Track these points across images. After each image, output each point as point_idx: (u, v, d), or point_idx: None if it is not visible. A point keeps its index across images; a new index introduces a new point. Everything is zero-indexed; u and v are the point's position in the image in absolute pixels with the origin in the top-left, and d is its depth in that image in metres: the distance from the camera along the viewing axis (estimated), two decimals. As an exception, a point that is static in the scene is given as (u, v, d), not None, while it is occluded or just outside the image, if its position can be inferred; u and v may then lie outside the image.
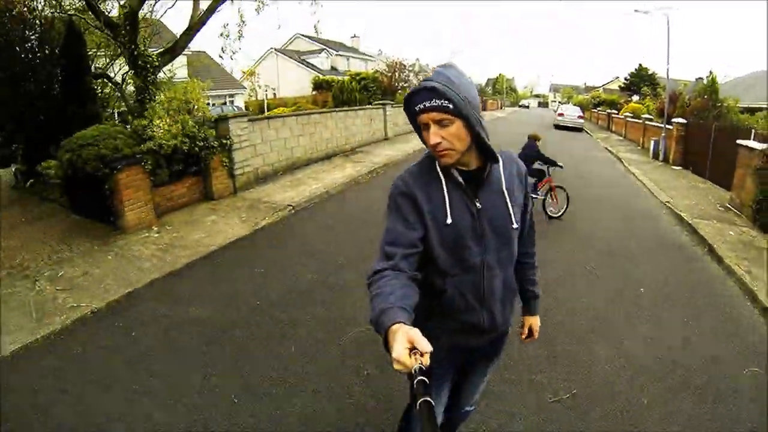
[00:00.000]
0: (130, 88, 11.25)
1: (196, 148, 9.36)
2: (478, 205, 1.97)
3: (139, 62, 9.16)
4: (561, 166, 9.22)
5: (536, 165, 9.52)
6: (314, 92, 35.28)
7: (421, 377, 1.21)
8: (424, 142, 1.91)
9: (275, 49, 45.84)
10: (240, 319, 5.21)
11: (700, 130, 16.58)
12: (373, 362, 4.40)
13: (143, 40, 9.43)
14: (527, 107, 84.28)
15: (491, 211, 1.99)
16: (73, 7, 10.42)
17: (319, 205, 10.38)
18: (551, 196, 9.49)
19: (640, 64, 55.17)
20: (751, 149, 10.15)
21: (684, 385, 4.17)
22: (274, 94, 43.40)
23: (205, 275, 6.49)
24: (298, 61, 45.19)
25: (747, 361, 4.57)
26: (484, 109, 56.66)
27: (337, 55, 48.91)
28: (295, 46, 49.88)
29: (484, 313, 2.07)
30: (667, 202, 11.50)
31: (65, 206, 9.22)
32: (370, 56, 53.72)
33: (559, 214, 9.58)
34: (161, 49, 10.38)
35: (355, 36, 56.88)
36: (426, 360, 1.29)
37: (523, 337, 2.54)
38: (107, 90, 11.86)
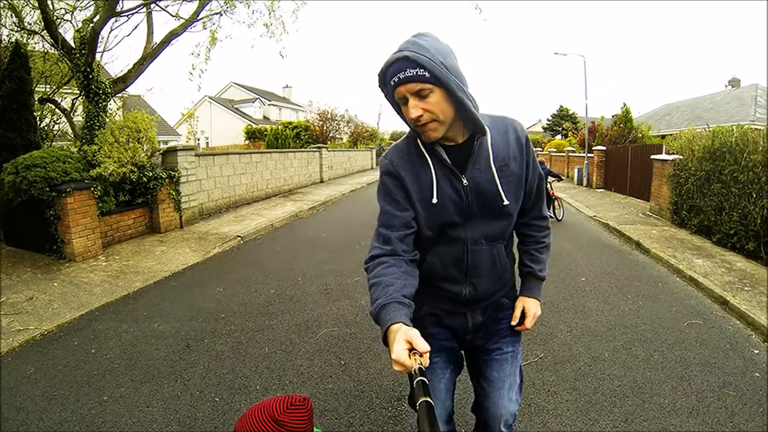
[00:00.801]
0: (77, 118, 10.98)
1: (145, 178, 9.10)
2: (464, 182, 1.80)
3: (93, 87, 8.95)
4: (562, 179, 10.85)
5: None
6: (247, 141, 35.09)
7: (421, 378, 1.18)
8: (405, 120, 1.75)
9: (209, 97, 45.44)
10: (206, 330, 5.06)
11: (618, 154, 18.13)
12: (349, 354, 4.46)
13: (97, 67, 9.27)
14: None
15: (478, 188, 1.81)
16: (21, 27, 10.11)
17: (267, 236, 10.30)
18: (557, 201, 11.70)
19: (561, 105, 58.91)
20: (663, 161, 11.58)
21: (636, 340, 4.79)
22: (207, 142, 42.82)
23: (163, 296, 6.24)
24: (232, 110, 44.88)
25: (687, 317, 5.45)
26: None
27: (269, 104, 48.95)
28: (229, 95, 49.62)
29: (467, 286, 1.94)
30: (594, 216, 12.63)
31: (-1, 238, 8.66)
32: (301, 106, 54.26)
33: (562, 217, 11.77)
34: (113, 78, 10.26)
35: (287, 86, 57.16)
36: (425, 360, 1.29)
37: (513, 322, 2.09)
38: (48, 119, 11.46)
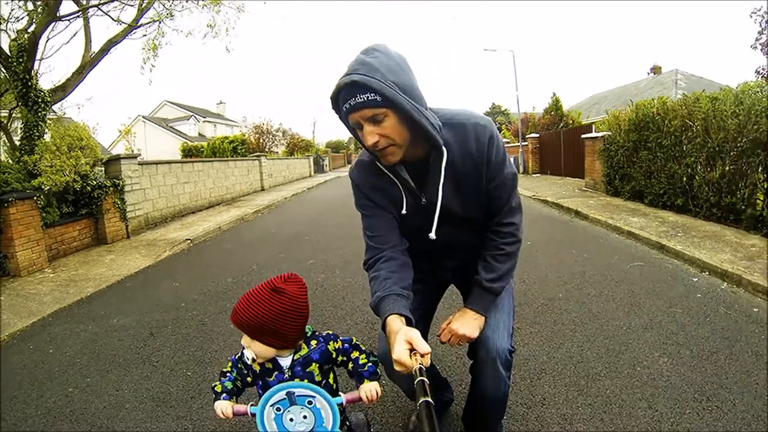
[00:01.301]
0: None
1: (89, 188, 8.76)
2: (423, 200, 1.81)
3: (32, 96, 8.56)
4: None
5: None
6: (184, 159, 34.33)
7: (422, 378, 1.17)
8: (362, 143, 1.66)
9: (143, 117, 43.95)
10: (168, 319, 4.92)
11: (551, 139, 18.95)
12: (312, 323, 4.46)
13: (35, 75, 8.88)
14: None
15: (438, 203, 1.79)
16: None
17: (216, 238, 10.11)
18: None
19: (493, 103, 60.08)
20: (594, 138, 12.32)
21: (585, 282, 5.15)
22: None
23: (119, 296, 6.01)
24: (166, 129, 43.56)
25: (629, 261, 5.91)
26: (349, 163, 58.01)
27: (204, 121, 47.87)
28: (163, 114, 48.16)
29: (439, 269, 2.10)
30: (533, 195, 13.18)
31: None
32: (236, 122, 53.24)
33: None
34: (53, 87, 9.87)
35: (221, 102, 55.81)
36: (426, 361, 1.29)
37: (439, 333, 1.92)
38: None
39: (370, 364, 1.80)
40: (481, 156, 1.73)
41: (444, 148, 1.68)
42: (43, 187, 7.75)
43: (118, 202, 9.75)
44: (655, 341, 3.56)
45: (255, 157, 21.31)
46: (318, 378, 1.75)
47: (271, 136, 34.41)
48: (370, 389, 1.71)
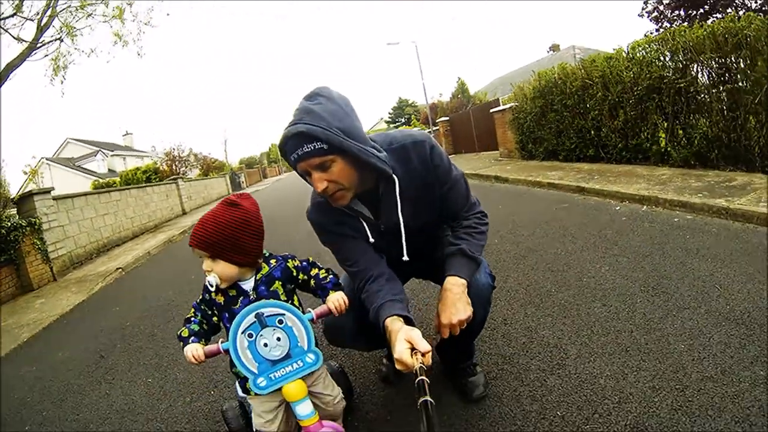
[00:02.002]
0: None
1: (3, 231, 8.07)
2: (381, 227, 1.84)
3: None
4: None
5: None
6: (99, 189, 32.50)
7: (422, 377, 1.16)
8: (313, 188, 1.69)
9: (47, 159, 40.72)
10: (115, 339, 4.64)
11: (461, 119, 19.57)
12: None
13: None
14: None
15: (402, 228, 1.82)
16: None
17: (147, 263, 9.64)
18: None
19: (400, 97, 59.47)
20: (502, 110, 12.77)
21: (517, 226, 5.35)
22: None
23: (58, 334, 5.59)
24: (73, 168, 40.73)
25: (554, 204, 6.23)
26: (265, 177, 57.07)
27: (113, 155, 45.45)
28: (68, 153, 45.08)
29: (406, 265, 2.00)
30: None
31: None
32: (146, 152, 50.97)
33: None
34: None
35: (127, 133, 52.74)
36: (428, 360, 1.29)
37: (436, 333, 1.84)
38: None
39: (331, 276, 1.81)
40: (426, 169, 1.78)
41: (395, 177, 1.72)
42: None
43: (38, 243, 9.05)
44: (593, 258, 3.77)
45: (171, 181, 20.47)
46: (283, 298, 1.72)
47: (183, 161, 33.42)
48: (336, 299, 1.70)
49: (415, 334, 1.37)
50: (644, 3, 28.20)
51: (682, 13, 25.69)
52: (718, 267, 3.13)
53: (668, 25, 23.26)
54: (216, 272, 1.64)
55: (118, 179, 28.12)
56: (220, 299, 1.72)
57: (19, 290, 8.71)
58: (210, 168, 37.11)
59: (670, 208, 4.82)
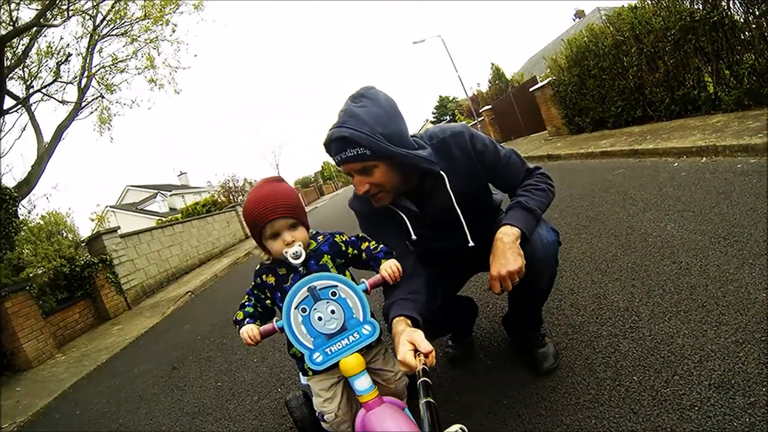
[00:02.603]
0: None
1: (77, 268, 8.56)
2: (427, 222, 1.81)
3: None
4: None
5: None
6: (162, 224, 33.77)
7: (424, 378, 1.13)
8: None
9: (111, 207, 42.83)
10: (187, 352, 4.83)
11: (504, 105, 19.04)
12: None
13: None
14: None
15: (447, 217, 1.78)
16: None
17: (214, 285, 9.96)
18: None
19: (440, 95, 59.11)
20: (542, 87, 12.26)
21: (575, 199, 4.54)
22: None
23: (134, 353, 5.84)
24: (136, 212, 42.34)
25: (610, 171, 5.14)
26: (322, 194, 57.69)
27: (171, 195, 46.51)
28: (129, 199, 47.20)
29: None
30: None
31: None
32: (202, 188, 52.43)
33: None
34: (16, 183, 9.66)
35: (182, 173, 54.88)
36: (430, 360, 1.26)
37: (489, 287, 1.65)
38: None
39: (382, 245, 1.74)
40: (470, 158, 1.76)
41: (443, 173, 1.69)
42: (34, 274, 7.58)
43: (111, 277, 9.54)
44: (656, 217, 3.50)
45: (231, 208, 21.11)
46: (333, 272, 1.66)
47: (240, 191, 34.34)
48: (389, 266, 1.64)
49: (418, 335, 1.33)
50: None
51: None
52: (794, 207, 2.83)
53: None
54: (300, 240, 1.60)
55: (179, 215, 29.12)
56: (271, 280, 1.69)
57: (97, 321, 9.20)
58: (267, 192, 37.86)
59: (731, 155, 4.47)
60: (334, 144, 1.56)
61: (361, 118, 1.51)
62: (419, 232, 1.80)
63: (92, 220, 11.76)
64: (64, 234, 8.84)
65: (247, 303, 1.73)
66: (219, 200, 31.18)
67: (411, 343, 1.30)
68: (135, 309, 9.70)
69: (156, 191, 45.75)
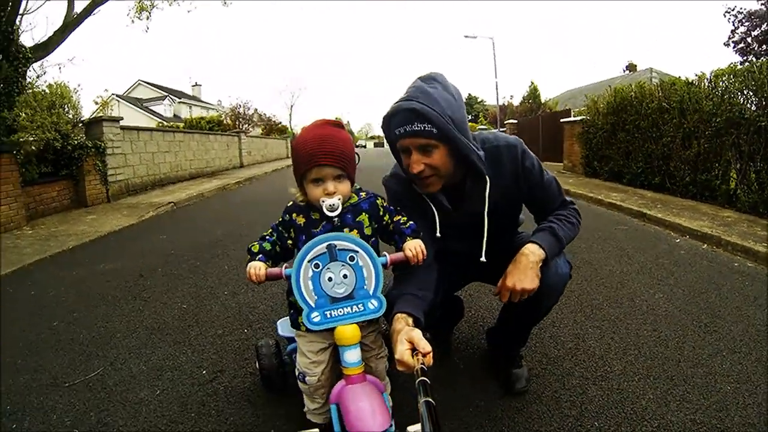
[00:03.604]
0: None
1: (69, 147, 8.39)
2: (458, 221, 1.82)
3: (13, 49, 8.08)
4: None
5: None
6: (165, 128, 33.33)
7: (423, 378, 1.12)
8: (403, 167, 1.70)
9: (117, 96, 42.08)
10: (158, 263, 4.74)
11: (529, 123, 19.10)
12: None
13: (17, 29, 8.41)
14: (364, 147, 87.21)
15: (476, 222, 1.81)
16: None
17: (199, 203, 9.85)
18: None
19: (470, 94, 59.00)
20: (573, 122, 12.32)
21: (575, 239, 4.54)
22: (117, 142, 40.17)
23: (103, 248, 5.76)
24: (141, 108, 41.79)
25: (613, 225, 5.20)
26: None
27: (179, 102, 45.64)
28: (137, 94, 46.20)
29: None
30: None
31: None
32: (212, 104, 51.83)
33: None
34: (35, 44, 9.44)
35: (196, 84, 53.20)
36: (428, 360, 1.25)
37: (496, 292, 1.74)
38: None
39: (411, 222, 1.70)
40: (516, 173, 1.79)
41: (487, 177, 1.71)
42: (25, 139, 7.44)
43: (99, 165, 9.38)
44: (648, 282, 3.60)
45: (235, 134, 20.91)
46: (368, 232, 1.63)
47: (248, 119, 33.91)
48: (414, 246, 1.58)
49: (416, 334, 1.32)
50: (731, 32, 26.91)
51: (770, 48, 24.42)
52: (777, 319, 2.94)
53: (754, 60, 22.29)
54: (342, 193, 1.56)
55: (182, 124, 28.79)
56: (301, 221, 1.64)
57: (74, 204, 9.06)
58: (272, 129, 37.50)
59: (732, 252, 4.56)
60: (400, 115, 1.54)
61: (433, 97, 1.51)
62: (443, 231, 1.81)
63: (96, 103, 11.60)
64: (66, 109, 8.66)
65: (268, 237, 1.70)
66: (225, 122, 30.88)
67: (409, 342, 1.31)
68: (114, 204, 9.59)
69: (166, 94, 44.84)
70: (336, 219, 1.59)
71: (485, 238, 1.82)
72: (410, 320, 1.48)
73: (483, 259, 1.84)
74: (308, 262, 1.49)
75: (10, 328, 3.33)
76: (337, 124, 1.61)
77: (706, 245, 4.86)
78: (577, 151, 12.16)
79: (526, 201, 1.96)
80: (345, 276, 1.50)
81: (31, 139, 7.67)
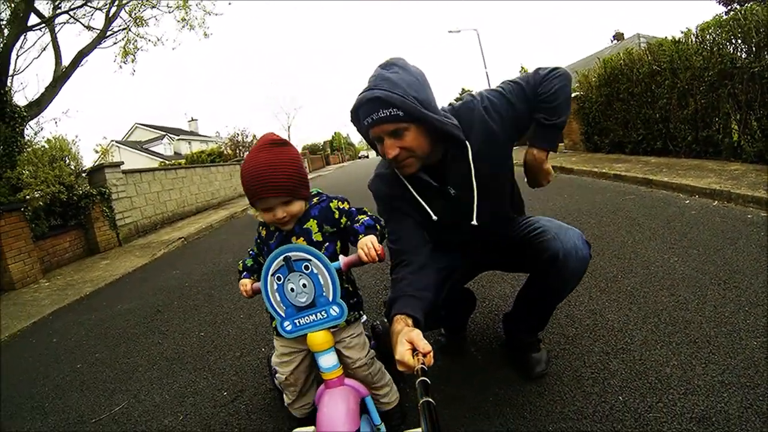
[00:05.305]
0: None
1: (75, 197, 8.52)
2: (452, 192, 1.79)
3: (8, 111, 8.21)
4: None
5: None
6: (166, 166, 33.59)
7: (423, 378, 1.12)
8: (382, 155, 1.68)
9: (116, 142, 42.55)
10: (173, 297, 4.81)
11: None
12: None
13: (9, 91, 8.55)
14: (366, 157, 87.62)
15: (467, 189, 1.79)
16: None
17: (209, 235, 9.90)
18: None
19: (463, 88, 58.88)
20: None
21: (583, 214, 4.57)
22: (122, 187, 40.59)
23: (119, 290, 5.84)
24: (141, 150, 42.16)
25: (621, 196, 5.20)
26: (328, 164, 57.51)
27: (178, 139, 46.28)
28: (136, 137, 46.87)
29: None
30: (515, 162, 13.03)
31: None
32: (210, 137, 52.15)
33: None
34: (27, 102, 9.57)
35: (192, 119, 54.08)
36: (429, 360, 1.24)
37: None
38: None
39: (367, 217, 1.66)
40: (492, 118, 1.75)
41: (467, 143, 1.71)
42: (31, 196, 7.55)
43: (107, 211, 9.51)
44: (661, 247, 3.53)
45: (236, 162, 21.05)
46: (317, 238, 1.63)
47: (246, 146, 34.13)
48: (364, 244, 1.52)
49: (416, 334, 1.32)
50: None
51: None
52: (798, 266, 2.85)
53: (738, 7, 21.98)
54: (292, 214, 1.58)
55: (183, 161, 29.00)
56: (264, 233, 1.74)
57: (86, 252, 9.20)
58: (273, 151, 37.59)
59: (744, 205, 4.48)
60: (365, 106, 1.55)
61: (393, 81, 1.52)
62: (440, 220, 1.82)
63: (96, 152, 11.73)
64: (67, 161, 8.77)
65: (251, 252, 1.82)
66: (225, 152, 31.05)
67: (409, 342, 1.30)
68: (126, 246, 9.69)
69: (164, 133, 45.40)
70: (284, 229, 1.64)
71: (476, 200, 1.79)
72: (410, 321, 1.48)
73: (474, 222, 1.81)
74: (272, 276, 1.54)
75: (34, 374, 3.45)
76: (281, 143, 1.59)
77: (716, 202, 4.78)
78: (576, 129, 12.05)
79: (522, 121, 1.83)
80: (304, 285, 1.53)
81: (37, 194, 7.81)
